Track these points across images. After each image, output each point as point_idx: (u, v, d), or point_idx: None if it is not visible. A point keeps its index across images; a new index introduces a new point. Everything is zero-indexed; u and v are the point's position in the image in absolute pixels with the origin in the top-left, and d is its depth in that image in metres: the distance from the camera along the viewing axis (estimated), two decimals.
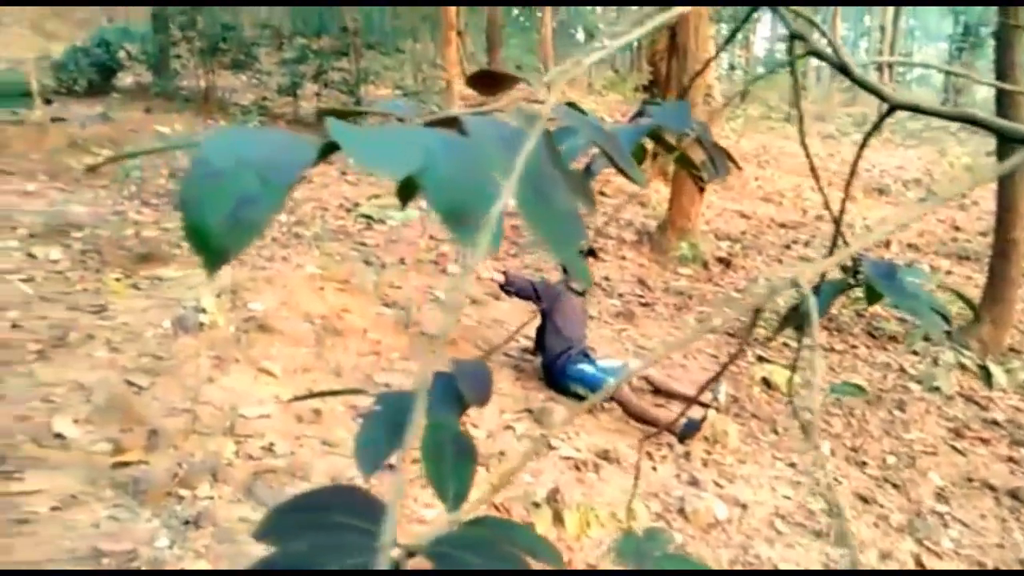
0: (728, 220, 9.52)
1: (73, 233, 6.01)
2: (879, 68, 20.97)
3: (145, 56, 12.04)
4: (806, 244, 8.88)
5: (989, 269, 6.28)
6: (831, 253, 1.17)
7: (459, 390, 0.85)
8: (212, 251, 0.48)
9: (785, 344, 5.98)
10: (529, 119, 0.74)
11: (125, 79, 12.20)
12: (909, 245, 9.56)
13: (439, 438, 0.74)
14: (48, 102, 9.76)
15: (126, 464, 3.09)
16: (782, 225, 9.68)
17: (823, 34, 0.87)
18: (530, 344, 5.37)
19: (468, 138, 0.63)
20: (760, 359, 5.61)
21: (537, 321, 4.98)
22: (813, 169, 1.07)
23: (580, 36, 28.21)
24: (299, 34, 11.23)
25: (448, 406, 0.83)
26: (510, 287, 5.01)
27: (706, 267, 7.55)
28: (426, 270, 6.63)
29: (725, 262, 7.79)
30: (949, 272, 8.54)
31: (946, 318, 1.37)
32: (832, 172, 12.10)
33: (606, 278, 7.13)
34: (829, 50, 0.82)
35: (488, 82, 0.91)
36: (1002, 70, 5.99)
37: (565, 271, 4.99)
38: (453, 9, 12.34)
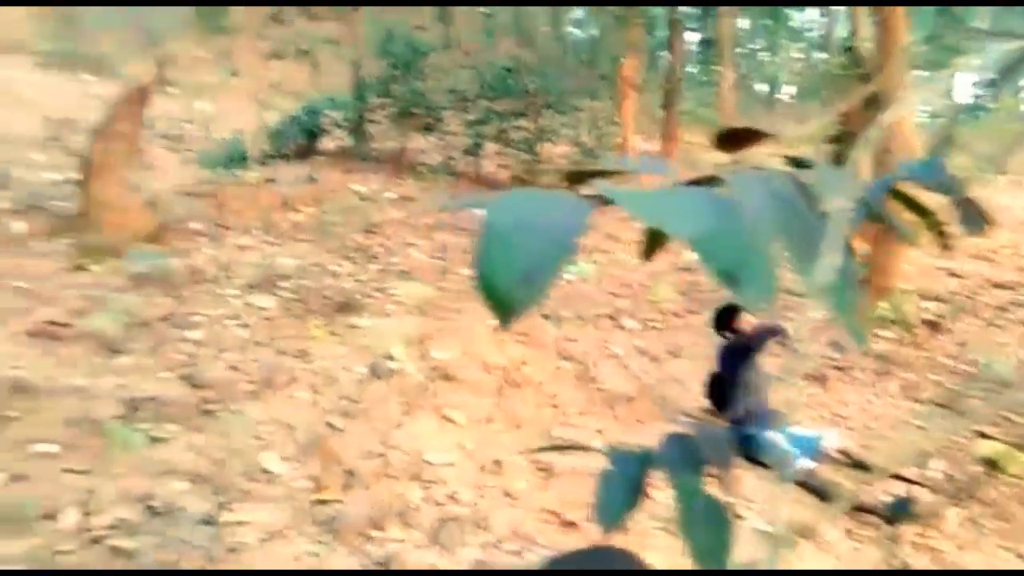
0: (934, 279, 8.73)
1: (281, 283, 6.57)
2: None
3: (346, 122, 13.14)
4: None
5: None
6: None
7: (698, 452, 0.81)
8: (504, 308, 0.50)
9: (1007, 418, 5.31)
10: (785, 177, 0.70)
11: (328, 143, 13.35)
12: None
13: (690, 501, 0.71)
14: (263, 165, 10.86)
15: (325, 502, 3.27)
16: (997, 285, 8.72)
17: None
18: (708, 404, 5.15)
19: (735, 197, 0.60)
20: (981, 435, 5.01)
21: (703, 370, 4.81)
22: None
23: (762, 88, 27.53)
24: (483, 97, 11.80)
25: (689, 468, 0.79)
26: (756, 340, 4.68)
27: (910, 330, 6.92)
28: (603, 325, 6.60)
29: (932, 325, 7.10)
30: None
31: None
32: None
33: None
34: None
35: (734, 139, 0.88)
36: None
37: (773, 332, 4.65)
38: (630, 67, 12.49)
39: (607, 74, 17.86)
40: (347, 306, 6.14)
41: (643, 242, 0.85)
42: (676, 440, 0.83)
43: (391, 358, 4.97)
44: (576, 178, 0.82)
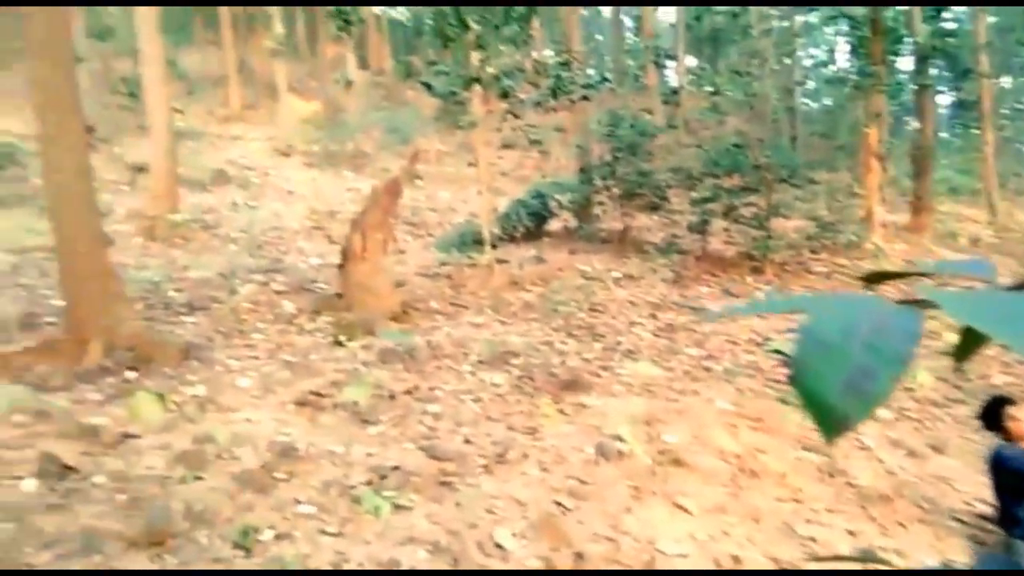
0: None
1: (511, 360, 6.81)
2: None
3: (572, 204, 13.60)
4: None
5: None
6: None
7: None
8: (829, 420, 0.47)
9: None
10: None
11: (554, 225, 13.88)
12: None
13: None
14: (494, 247, 11.49)
15: None
16: None
17: None
18: (987, 510, 4.45)
19: None
20: None
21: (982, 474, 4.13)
22: None
23: None
24: (710, 174, 11.68)
25: None
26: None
27: None
28: None
29: None
30: None
31: None
32: None
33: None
34: None
35: None
36: None
37: None
38: (874, 135, 11.74)
39: (845, 144, 16.95)
40: (574, 384, 6.20)
41: (958, 345, 0.76)
42: (990, 561, 0.71)
43: (619, 439, 4.90)
44: (874, 279, 0.77)
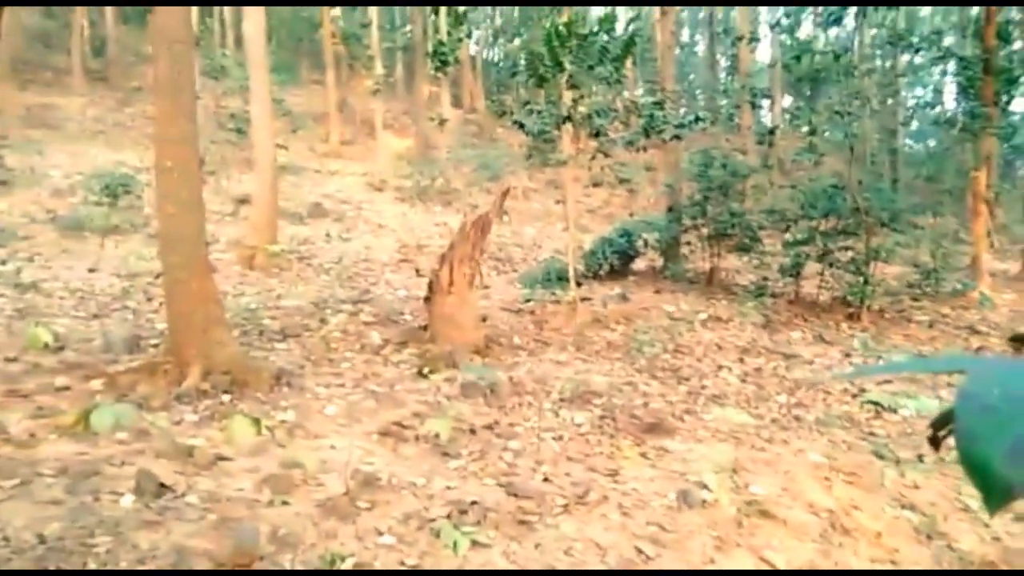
0: None
1: (593, 400, 6.72)
2: None
3: (659, 243, 13.46)
4: None
5: None
6: None
7: None
8: (994, 488, 0.43)
9: None
10: None
11: (641, 264, 13.76)
12: None
13: None
14: (579, 284, 11.45)
15: None
16: None
17: None
18: None
19: None
20: None
21: None
22: None
23: None
24: (805, 216, 11.37)
25: None
26: None
27: None
28: (953, 471, 5.67)
29: None
30: None
31: None
32: None
33: None
34: None
35: None
36: None
37: None
38: (983, 179, 11.18)
39: (951, 189, 16.20)
40: (657, 427, 6.06)
41: None
42: None
43: (704, 487, 4.75)
44: (1021, 339, 0.71)
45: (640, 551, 3.88)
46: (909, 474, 5.43)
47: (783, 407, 6.98)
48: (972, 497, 5.19)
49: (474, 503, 4.22)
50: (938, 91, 23.41)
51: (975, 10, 12.35)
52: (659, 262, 13.81)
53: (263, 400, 5.96)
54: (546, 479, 4.80)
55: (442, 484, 4.55)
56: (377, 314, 9.53)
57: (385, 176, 20.59)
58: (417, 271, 12.89)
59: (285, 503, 4.08)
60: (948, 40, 17.10)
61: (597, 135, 11.01)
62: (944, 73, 19.73)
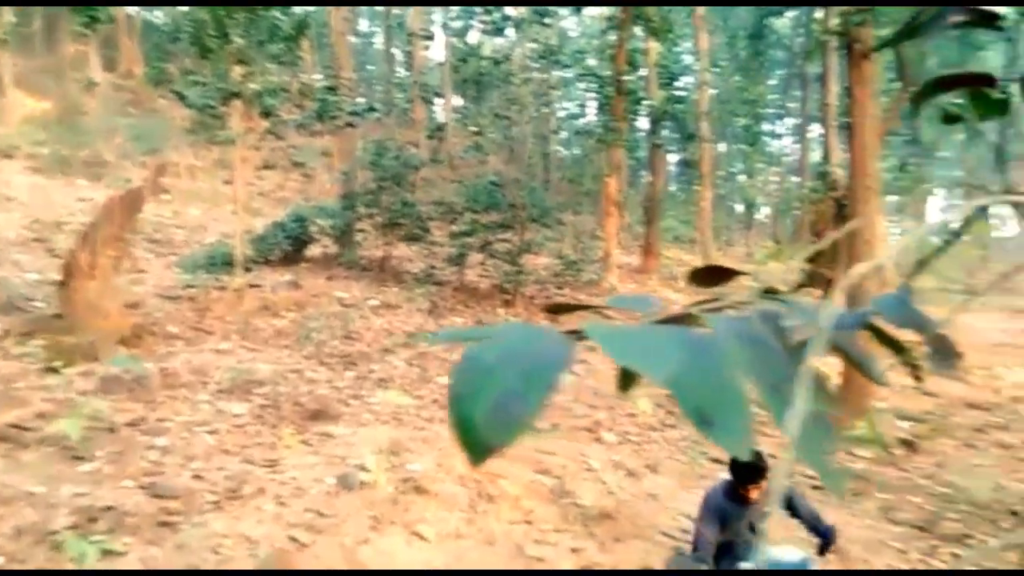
0: (909, 398, 8.77)
1: (255, 389, 6.47)
2: None
3: (333, 230, 13.35)
4: (1004, 428, 7.95)
5: None
6: None
7: None
8: (475, 445, 0.48)
9: (982, 540, 5.22)
10: (759, 315, 0.71)
11: (314, 251, 13.51)
12: None
13: None
14: (247, 270, 10.91)
15: None
16: (972, 406, 8.78)
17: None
18: (688, 524, 5.02)
19: (710, 337, 0.61)
20: (954, 555, 4.91)
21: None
22: None
23: (739, 208, 28.45)
24: (469, 210, 12.11)
25: None
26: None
27: (887, 449, 6.89)
28: (581, 438, 6.52)
29: (909, 445, 7.09)
30: None
31: None
32: None
33: (771, 455, 6.66)
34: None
35: (709, 275, 0.90)
36: None
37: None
38: (613, 184, 12.93)
39: (590, 191, 18.49)
40: (322, 414, 6.04)
41: (620, 375, 0.86)
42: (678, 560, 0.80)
43: (363, 469, 4.84)
44: (557, 310, 0.83)
45: (295, 539, 3.84)
46: (546, 442, 6.12)
47: (443, 388, 7.39)
48: (595, 459, 6.02)
49: (108, 509, 3.81)
50: (582, 105, 26.62)
51: (612, 36, 14.20)
52: (333, 249, 13.70)
53: None
54: (196, 476, 4.52)
55: (69, 491, 4.03)
56: None
57: (15, 141, 17.47)
58: (53, 252, 11.19)
59: None
60: (591, 61, 19.48)
61: (268, 115, 10.57)
62: (587, 89, 22.41)
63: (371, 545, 4.05)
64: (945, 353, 1.08)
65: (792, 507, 4.34)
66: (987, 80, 1.00)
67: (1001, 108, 1.04)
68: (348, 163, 13.46)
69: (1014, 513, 5.74)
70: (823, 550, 4.02)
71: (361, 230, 13.33)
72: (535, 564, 4.16)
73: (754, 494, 4.16)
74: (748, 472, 4.15)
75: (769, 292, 1.33)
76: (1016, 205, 0.89)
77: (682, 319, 0.69)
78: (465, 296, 11.69)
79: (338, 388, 6.94)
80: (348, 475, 4.70)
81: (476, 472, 5.17)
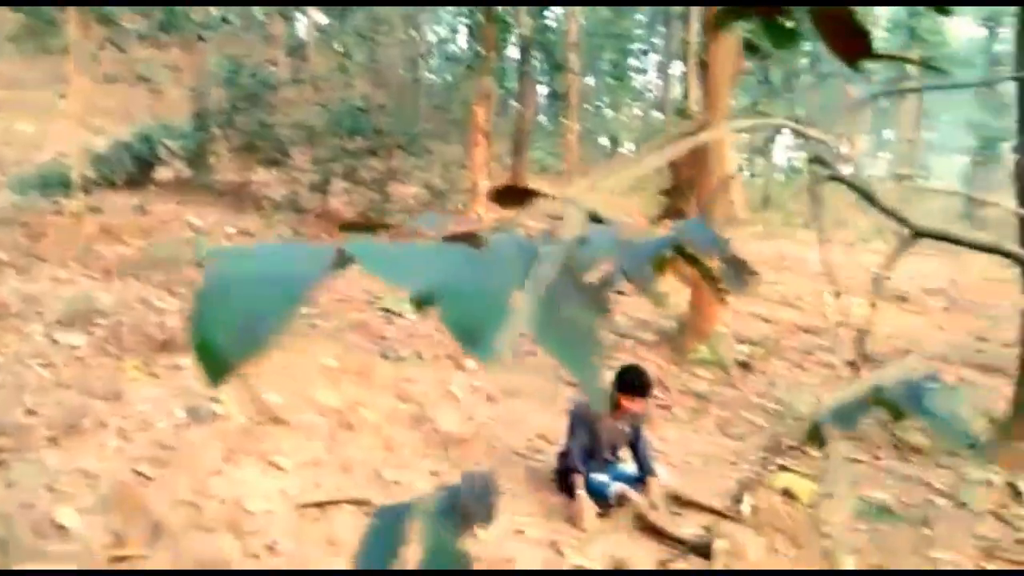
0: (748, 324, 9.48)
1: (97, 320, 6.09)
2: (898, 178, 21.26)
3: (185, 152, 12.52)
4: (829, 350, 8.79)
5: (1017, 383, 6.13)
6: (854, 365, 1.16)
7: (463, 506, 0.83)
8: (215, 365, 0.48)
9: (803, 451, 5.82)
10: (548, 235, 0.74)
11: (164, 173, 12.65)
12: (934, 356, 9.41)
13: (437, 562, 0.72)
14: (87, 192, 10.09)
15: (125, 557, 3.02)
16: (803, 330, 9.61)
17: (829, 152, 0.89)
18: (545, 444, 5.28)
19: (485, 253, 0.63)
20: (782, 467, 5.45)
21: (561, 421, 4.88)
22: (832, 279, 1.08)
23: (604, 142, 29.07)
24: (333, 134, 11.68)
25: (451, 524, 0.80)
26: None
27: (726, 370, 7.47)
28: (444, 365, 6.62)
29: (745, 366, 7.70)
30: (976, 384, 8.35)
31: (971, 438, 1.34)
32: (851, 278, 12.10)
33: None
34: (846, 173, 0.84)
35: (511, 195, 0.93)
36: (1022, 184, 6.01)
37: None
38: (482, 114, 12.83)
39: (460, 120, 18.25)
40: (171, 345, 5.78)
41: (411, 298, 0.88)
42: (447, 494, 0.84)
43: (216, 401, 4.71)
44: (352, 227, 0.83)
45: (140, 473, 3.72)
46: (408, 370, 6.17)
47: (303, 317, 7.23)
48: (457, 386, 6.15)
49: None
50: (454, 31, 26.00)
51: None
52: (185, 172, 12.89)
53: None
54: (29, 411, 4.24)
55: None
56: None
57: None
58: None
59: None
60: None
61: (108, 22, 9.64)
62: (457, 14, 21.88)
63: (223, 476, 3.98)
64: (739, 273, 1.18)
65: (636, 439, 4.67)
66: (776, 5, 1.05)
67: (790, 37, 1.11)
68: (200, 80, 12.58)
69: None
70: (641, 480, 4.46)
71: (216, 153, 12.58)
72: (392, 487, 4.24)
73: (630, 407, 4.45)
74: (633, 382, 4.46)
75: (591, 216, 1.39)
76: (798, 133, 0.97)
77: (468, 237, 0.70)
78: (328, 224, 11.39)
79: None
80: (199, 407, 4.56)
81: (336, 401, 5.16)
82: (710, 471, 5.36)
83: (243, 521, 3.48)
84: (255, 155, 12.18)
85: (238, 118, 11.88)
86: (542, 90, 24.06)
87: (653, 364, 7.59)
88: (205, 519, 3.43)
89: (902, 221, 0.75)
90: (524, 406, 5.88)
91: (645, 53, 30.33)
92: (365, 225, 0.74)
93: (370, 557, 0.77)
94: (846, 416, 1.17)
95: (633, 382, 4.48)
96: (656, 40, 28.67)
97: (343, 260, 0.57)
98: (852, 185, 0.80)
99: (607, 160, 28.89)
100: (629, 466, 4.75)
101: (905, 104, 24.12)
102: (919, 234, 0.75)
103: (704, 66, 7.87)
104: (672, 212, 8.87)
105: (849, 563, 4.24)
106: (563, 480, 4.58)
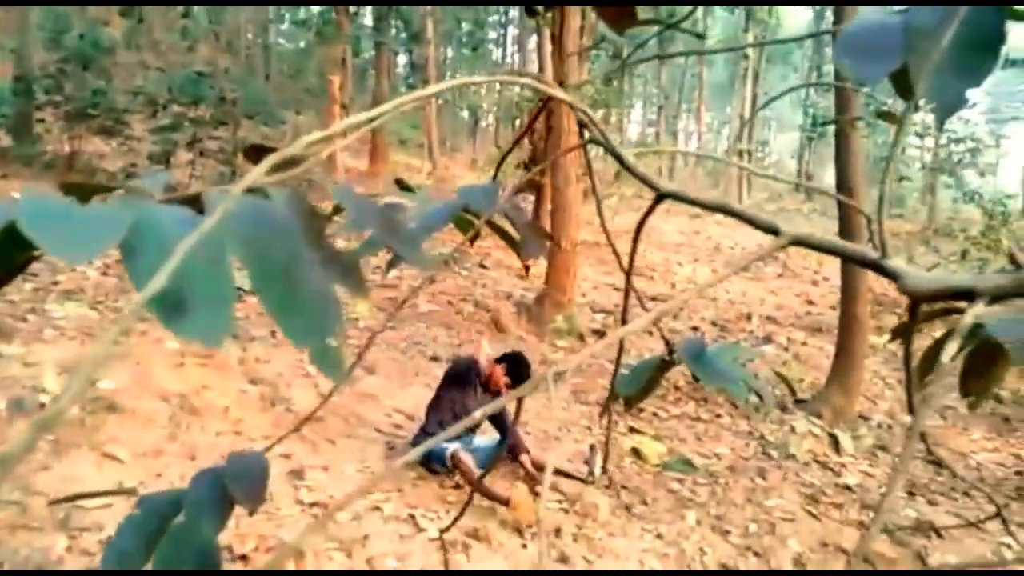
0: (603, 293, 9.83)
1: None
2: (740, 154, 22.59)
3: (4, 119, 11.38)
4: (675, 317, 9.26)
5: (837, 342, 6.73)
6: (623, 321, 1.22)
7: (228, 491, 0.79)
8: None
9: (655, 414, 6.14)
10: (293, 198, 0.70)
11: None
12: (768, 318, 10.15)
13: (180, 552, 0.69)
14: None
15: None
16: (653, 298, 10.07)
17: (589, 122, 0.92)
18: (404, 419, 5.27)
19: (199, 218, 0.59)
20: (632, 430, 5.72)
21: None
22: (615, 251, 1.12)
23: (464, 114, 29.00)
24: (174, 102, 10.95)
25: (213, 511, 0.77)
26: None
27: (582, 339, 7.71)
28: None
29: (600, 334, 7.99)
30: (804, 343, 9.10)
31: (759, 394, 1.45)
32: (698, 248, 12.82)
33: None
34: (605, 138, 0.87)
35: (260, 154, 0.89)
36: (842, 157, 6.56)
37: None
38: (337, 83, 12.43)
39: (314, 89, 17.61)
40: None
41: None
42: (211, 478, 0.80)
43: (42, 390, 4.36)
44: (86, 191, 0.77)
45: None
46: (260, 350, 5.95)
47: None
48: (311, 365, 5.99)
49: None
50: None
51: None
52: (6, 142, 11.72)
53: None
54: None
55: None
56: None
57: None
58: None
59: None
60: None
61: None
62: None
63: (52, 472, 3.70)
64: (534, 240, 1.20)
65: (501, 411, 4.77)
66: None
67: (631, 17, 1.15)
68: (20, 39, 11.41)
69: (676, 387, 6.79)
70: (501, 445, 4.64)
71: (42, 120, 11.50)
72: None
73: (503, 385, 4.70)
74: (522, 374, 4.73)
75: (399, 183, 1.36)
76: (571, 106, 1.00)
77: (192, 200, 0.66)
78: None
79: (13, 302, 6.08)
80: (22, 398, 4.20)
81: (180, 385, 4.89)
82: (563, 437, 5.53)
83: (75, 518, 3.25)
84: (87, 123, 11.23)
85: (65, 83, 10.88)
86: (402, 60, 23.63)
87: (513, 335, 7.73)
88: (31, 519, 3.17)
89: (648, 183, 0.79)
90: (382, 382, 5.83)
91: (503, 26, 30.45)
92: (91, 187, 0.67)
93: (123, 551, 0.73)
94: (637, 377, 1.23)
95: (522, 374, 4.74)
96: (513, 13, 28.83)
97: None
98: (607, 148, 0.84)
99: (468, 133, 28.88)
100: (484, 439, 4.83)
101: (746, 85, 25.72)
102: (663, 196, 0.80)
103: (555, 41, 8.00)
104: (529, 185, 9.00)
105: (691, 517, 4.52)
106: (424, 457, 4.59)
